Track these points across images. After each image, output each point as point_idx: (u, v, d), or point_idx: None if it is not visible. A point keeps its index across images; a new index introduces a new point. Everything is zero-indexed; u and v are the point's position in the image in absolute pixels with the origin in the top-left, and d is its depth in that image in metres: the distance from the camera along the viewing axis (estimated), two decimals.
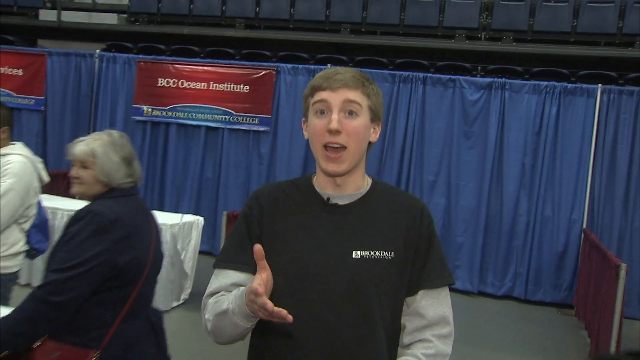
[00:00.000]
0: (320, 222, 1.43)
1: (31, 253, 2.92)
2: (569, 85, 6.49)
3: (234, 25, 7.98)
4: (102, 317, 1.92)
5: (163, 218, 5.20)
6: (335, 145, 1.38)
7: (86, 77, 7.78)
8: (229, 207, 6.73)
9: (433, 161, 6.74)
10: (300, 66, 7.14)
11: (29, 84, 7.87)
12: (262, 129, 7.20)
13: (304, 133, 1.49)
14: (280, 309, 1.22)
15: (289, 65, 7.16)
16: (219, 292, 1.43)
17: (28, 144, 3.01)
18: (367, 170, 1.51)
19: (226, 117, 7.29)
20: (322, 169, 1.42)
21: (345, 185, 1.45)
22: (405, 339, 1.47)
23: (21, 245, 2.81)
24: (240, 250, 1.44)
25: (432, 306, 1.45)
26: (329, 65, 6.95)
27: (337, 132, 1.37)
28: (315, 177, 1.50)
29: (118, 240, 1.91)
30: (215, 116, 7.31)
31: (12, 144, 2.83)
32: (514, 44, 7.26)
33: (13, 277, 2.82)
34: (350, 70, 1.45)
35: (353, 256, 1.40)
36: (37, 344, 1.89)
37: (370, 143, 1.47)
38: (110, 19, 8.36)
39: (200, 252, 5.64)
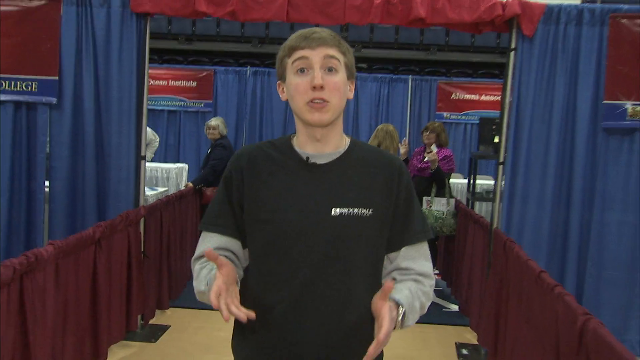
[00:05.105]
0: (299, 182, 1.44)
1: None
2: (394, 76, 10.96)
3: (177, 39, 11.64)
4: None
5: (164, 165, 9.00)
6: (319, 101, 1.39)
7: None
8: (188, 161, 10.51)
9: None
10: (230, 68, 11.08)
11: None
12: (206, 109, 11.03)
13: (280, 95, 1.51)
14: (239, 312, 1.22)
15: (222, 68, 11.07)
16: (204, 256, 1.47)
17: None
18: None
19: (182, 103, 11.07)
20: (306, 121, 1.42)
21: (326, 140, 1.46)
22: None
23: None
24: (220, 213, 1.50)
25: (416, 260, 1.49)
26: (248, 67, 10.95)
27: (320, 87, 1.38)
28: (294, 137, 1.51)
29: (230, 153, 5.94)
30: (174, 103, 11.06)
31: None
32: (362, 50, 11.63)
33: None
34: (325, 29, 1.45)
35: (332, 214, 1.41)
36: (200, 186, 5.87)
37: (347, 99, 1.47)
38: None
39: None
